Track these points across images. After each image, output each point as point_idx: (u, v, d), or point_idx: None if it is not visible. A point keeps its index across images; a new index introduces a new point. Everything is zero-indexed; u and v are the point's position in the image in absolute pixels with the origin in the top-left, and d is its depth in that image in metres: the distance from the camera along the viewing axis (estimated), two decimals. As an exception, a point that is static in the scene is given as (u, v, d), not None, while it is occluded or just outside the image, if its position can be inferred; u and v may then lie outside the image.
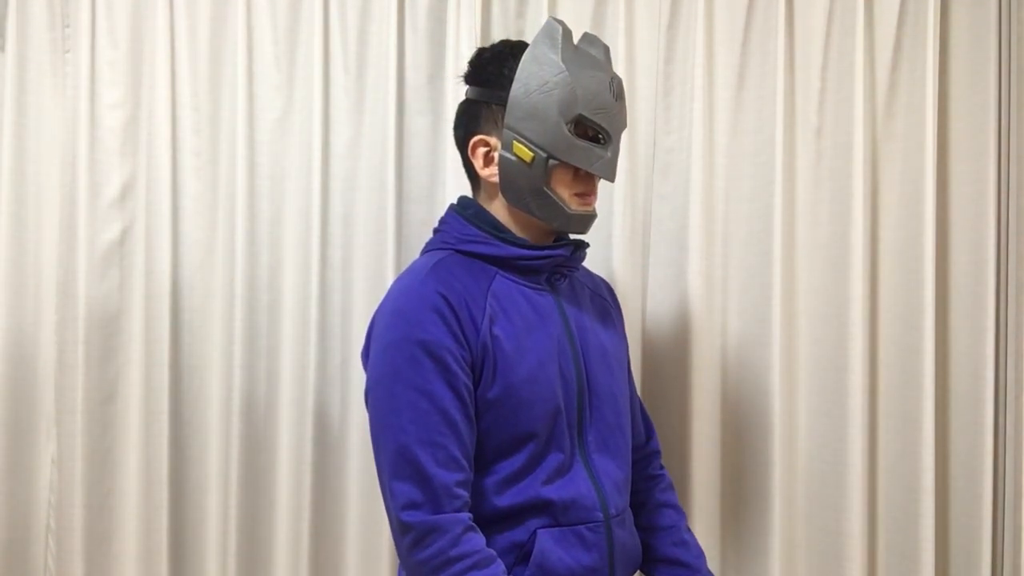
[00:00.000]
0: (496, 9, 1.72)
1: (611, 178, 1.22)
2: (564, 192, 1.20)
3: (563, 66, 1.16)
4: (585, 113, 1.17)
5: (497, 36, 1.70)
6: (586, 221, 1.24)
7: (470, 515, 1.10)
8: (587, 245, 1.30)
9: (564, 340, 1.21)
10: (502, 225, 1.23)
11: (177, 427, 1.69)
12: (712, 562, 1.67)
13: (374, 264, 1.70)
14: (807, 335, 1.71)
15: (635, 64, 1.71)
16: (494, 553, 1.11)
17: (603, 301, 1.37)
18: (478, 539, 1.09)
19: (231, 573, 1.66)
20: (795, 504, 1.71)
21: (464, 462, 1.10)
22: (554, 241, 1.28)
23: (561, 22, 1.20)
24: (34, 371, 1.67)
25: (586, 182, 1.22)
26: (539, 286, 1.23)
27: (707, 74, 1.69)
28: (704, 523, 1.66)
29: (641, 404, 1.44)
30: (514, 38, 1.68)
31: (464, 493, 1.10)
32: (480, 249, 1.21)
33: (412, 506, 1.07)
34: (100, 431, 1.67)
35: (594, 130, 1.19)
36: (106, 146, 1.67)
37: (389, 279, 1.67)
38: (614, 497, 1.20)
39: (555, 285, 1.26)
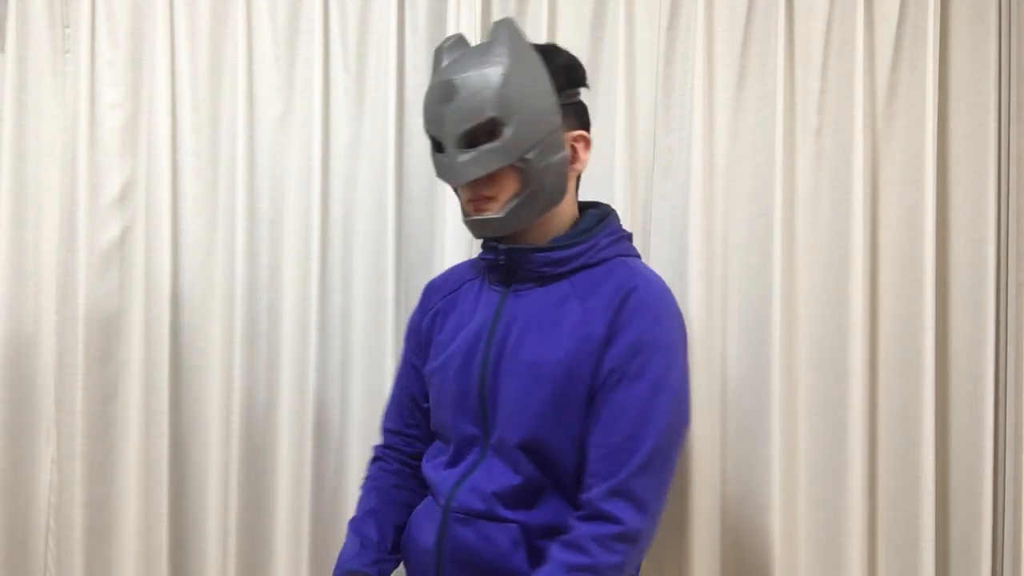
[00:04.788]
0: (496, 9, 1.72)
1: (451, 181, 1.19)
2: (462, 201, 1.24)
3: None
4: (425, 129, 1.21)
5: (497, 36, 1.70)
6: (477, 227, 1.20)
7: (394, 451, 1.37)
8: (535, 250, 1.21)
9: (482, 343, 1.21)
10: None
11: (177, 427, 1.69)
12: (712, 561, 1.67)
13: (374, 264, 1.70)
14: (807, 335, 1.71)
15: (635, 64, 1.71)
16: (375, 486, 1.34)
17: (588, 309, 1.18)
18: (376, 467, 1.36)
19: (231, 573, 1.66)
20: (795, 504, 1.71)
21: (400, 418, 1.37)
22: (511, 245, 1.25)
23: (448, 38, 1.22)
24: (34, 371, 1.68)
25: (470, 189, 1.19)
26: (495, 284, 1.26)
27: (707, 74, 1.69)
28: (704, 523, 1.66)
29: (618, 447, 1.12)
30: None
31: (392, 438, 1.38)
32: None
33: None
34: (100, 431, 1.67)
35: (435, 140, 1.21)
36: (106, 146, 1.67)
37: (389, 279, 1.68)
38: (467, 497, 1.18)
39: (510, 284, 1.24)
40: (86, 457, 1.66)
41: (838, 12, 1.71)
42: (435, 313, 1.32)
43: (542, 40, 1.66)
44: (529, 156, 1.14)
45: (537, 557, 1.14)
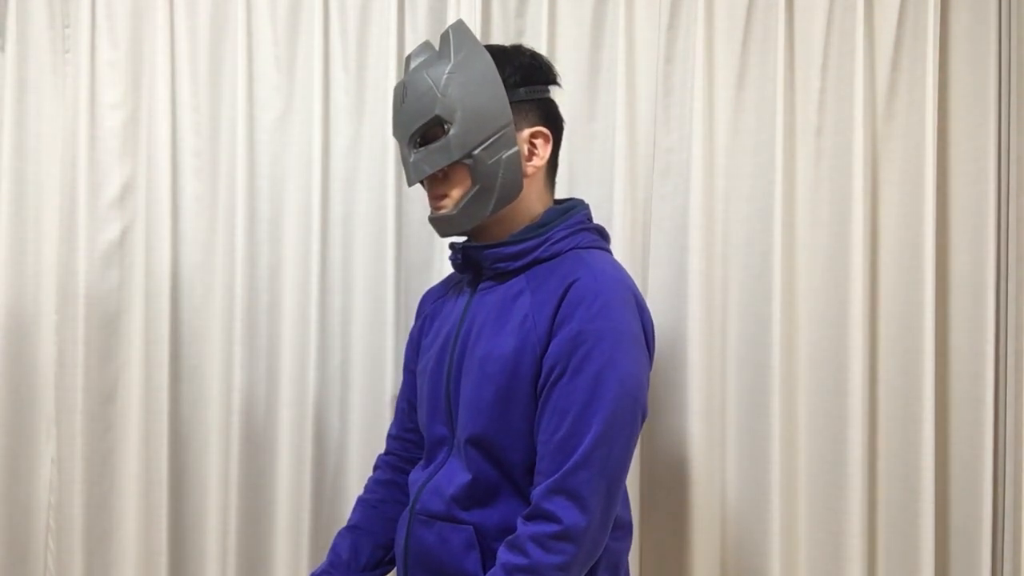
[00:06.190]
0: (496, 9, 1.72)
1: (408, 181, 1.23)
2: None
3: None
4: (392, 132, 1.25)
5: (497, 36, 1.70)
6: (435, 224, 1.24)
7: (393, 457, 1.39)
8: (478, 247, 1.21)
9: (449, 343, 1.22)
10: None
11: (177, 427, 1.69)
12: (712, 562, 1.67)
13: (374, 264, 1.70)
14: (807, 335, 1.71)
15: (635, 64, 1.71)
16: (363, 499, 1.36)
17: (534, 303, 1.15)
18: (371, 478, 1.39)
19: (231, 573, 1.66)
20: (795, 505, 1.71)
21: (399, 423, 1.40)
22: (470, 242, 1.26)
23: (418, 46, 1.24)
24: (34, 371, 1.67)
25: (429, 188, 1.23)
26: (466, 286, 1.27)
27: (707, 74, 1.69)
28: (704, 523, 1.66)
29: (561, 443, 1.08)
30: (514, 38, 1.69)
31: (392, 444, 1.40)
32: None
33: None
34: (100, 431, 1.67)
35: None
36: (106, 146, 1.68)
37: (389, 279, 1.68)
38: (429, 498, 1.19)
39: (476, 285, 1.24)
40: (86, 457, 1.65)
41: (838, 12, 1.71)
42: (425, 318, 1.36)
43: (542, 40, 1.67)
44: (476, 153, 1.15)
45: (493, 560, 1.11)
